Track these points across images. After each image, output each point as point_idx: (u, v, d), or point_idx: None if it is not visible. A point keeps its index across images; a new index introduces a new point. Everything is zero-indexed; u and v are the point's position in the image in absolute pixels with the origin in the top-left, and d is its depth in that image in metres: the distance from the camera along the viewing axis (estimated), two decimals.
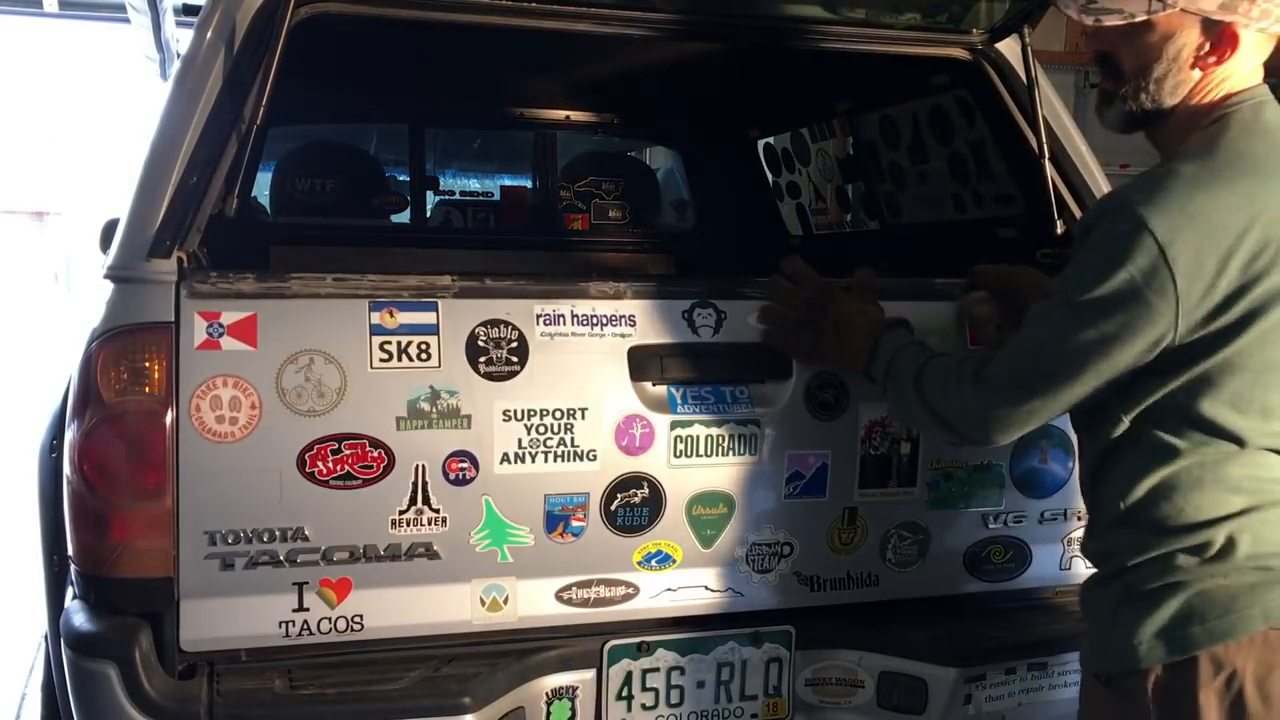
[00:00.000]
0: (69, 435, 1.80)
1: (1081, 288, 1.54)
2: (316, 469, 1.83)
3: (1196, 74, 1.59)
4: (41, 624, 2.39)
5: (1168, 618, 1.54)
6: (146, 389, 1.77)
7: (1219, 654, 1.51)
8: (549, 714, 1.99)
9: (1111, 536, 1.64)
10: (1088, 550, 1.73)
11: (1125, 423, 1.59)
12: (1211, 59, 1.57)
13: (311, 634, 1.88)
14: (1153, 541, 1.57)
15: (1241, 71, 1.60)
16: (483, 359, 1.90)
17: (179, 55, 2.09)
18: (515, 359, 1.91)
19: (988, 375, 1.67)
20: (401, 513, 1.87)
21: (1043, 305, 1.63)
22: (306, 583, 1.86)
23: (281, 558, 1.84)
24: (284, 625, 1.87)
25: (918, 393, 1.77)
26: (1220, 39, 1.56)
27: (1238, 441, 1.53)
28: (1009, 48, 2.43)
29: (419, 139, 3.96)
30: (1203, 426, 1.54)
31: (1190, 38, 1.57)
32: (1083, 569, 2.27)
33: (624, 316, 1.97)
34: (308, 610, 1.87)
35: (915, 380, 1.78)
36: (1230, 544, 1.53)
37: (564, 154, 4.13)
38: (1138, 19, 1.56)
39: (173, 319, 1.78)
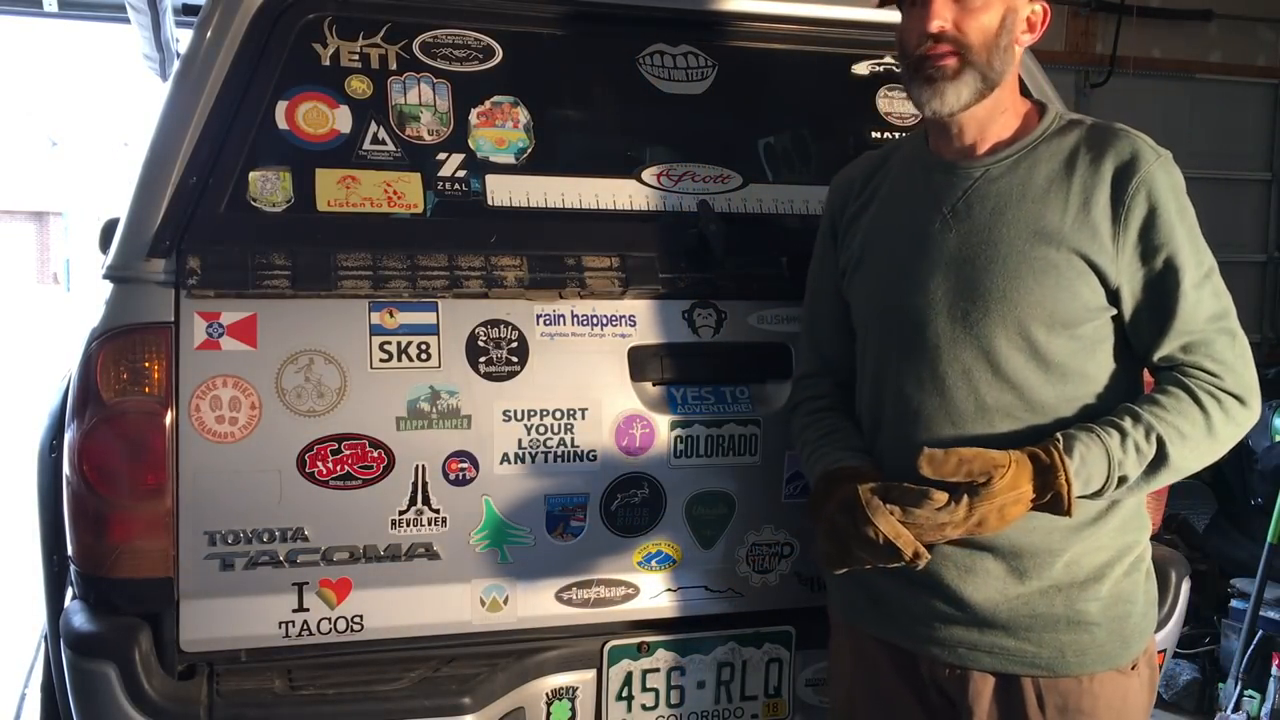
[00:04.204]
0: (69, 435, 1.80)
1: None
2: (316, 469, 1.83)
3: None
4: (41, 624, 2.39)
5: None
6: (146, 389, 1.78)
7: None
8: (549, 714, 1.99)
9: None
10: None
11: None
12: None
13: (311, 634, 1.88)
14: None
15: None
16: (483, 359, 1.90)
17: (179, 55, 2.09)
18: (515, 359, 1.91)
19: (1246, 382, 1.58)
20: (401, 513, 1.87)
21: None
22: (306, 583, 1.86)
23: (281, 558, 1.84)
24: (284, 625, 1.87)
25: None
26: None
27: None
28: None
29: None
30: None
31: None
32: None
33: (624, 316, 1.97)
34: (307, 610, 1.87)
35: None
36: None
37: None
38: None
39: (172, 319, 1.78)
